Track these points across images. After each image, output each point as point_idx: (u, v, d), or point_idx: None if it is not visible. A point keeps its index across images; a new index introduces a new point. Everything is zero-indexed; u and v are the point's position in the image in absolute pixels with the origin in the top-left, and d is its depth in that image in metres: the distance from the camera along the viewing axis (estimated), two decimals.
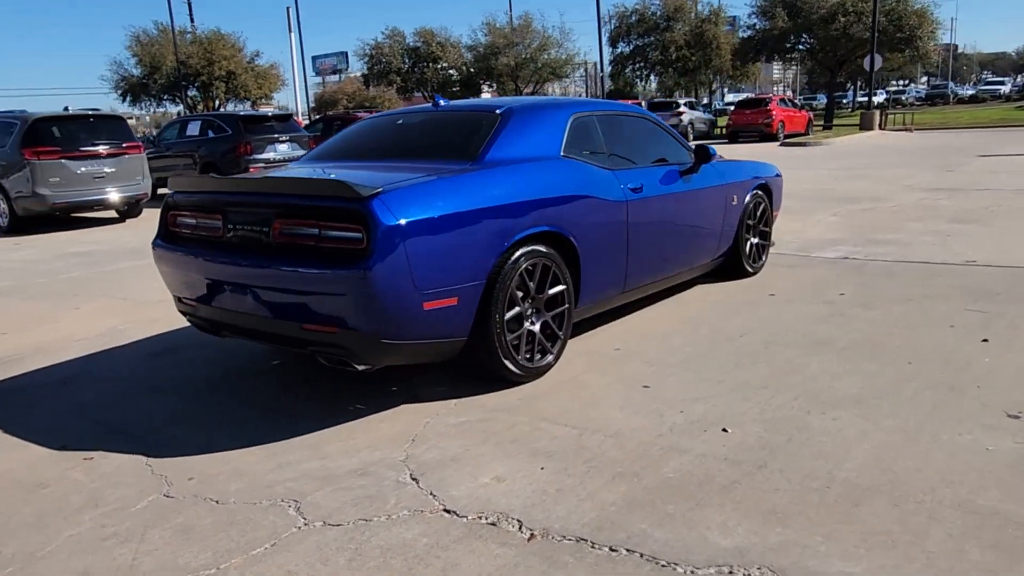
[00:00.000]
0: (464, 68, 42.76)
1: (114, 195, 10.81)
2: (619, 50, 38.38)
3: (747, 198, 5.45)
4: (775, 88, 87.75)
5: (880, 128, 26.15)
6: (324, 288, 2.99)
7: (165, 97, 44.75)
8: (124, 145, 11.02)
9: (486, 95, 43.02)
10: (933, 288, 5.04)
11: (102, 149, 10.72)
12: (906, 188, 10.63)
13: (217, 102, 43.61)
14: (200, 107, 43.65)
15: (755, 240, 5.73)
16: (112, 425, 3.31)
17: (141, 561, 2.23)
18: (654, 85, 41.16)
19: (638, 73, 38.65)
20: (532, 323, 3.61)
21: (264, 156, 13.47)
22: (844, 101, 51.10)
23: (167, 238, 3.77)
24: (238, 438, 3.09)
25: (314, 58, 63.53)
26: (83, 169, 10.48)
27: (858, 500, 2.35)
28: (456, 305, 3.20)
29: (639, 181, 4.29)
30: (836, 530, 2.19)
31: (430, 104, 4.39)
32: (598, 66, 33.96)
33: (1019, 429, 2.80)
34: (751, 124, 25.48)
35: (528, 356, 3.59)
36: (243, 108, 43.68)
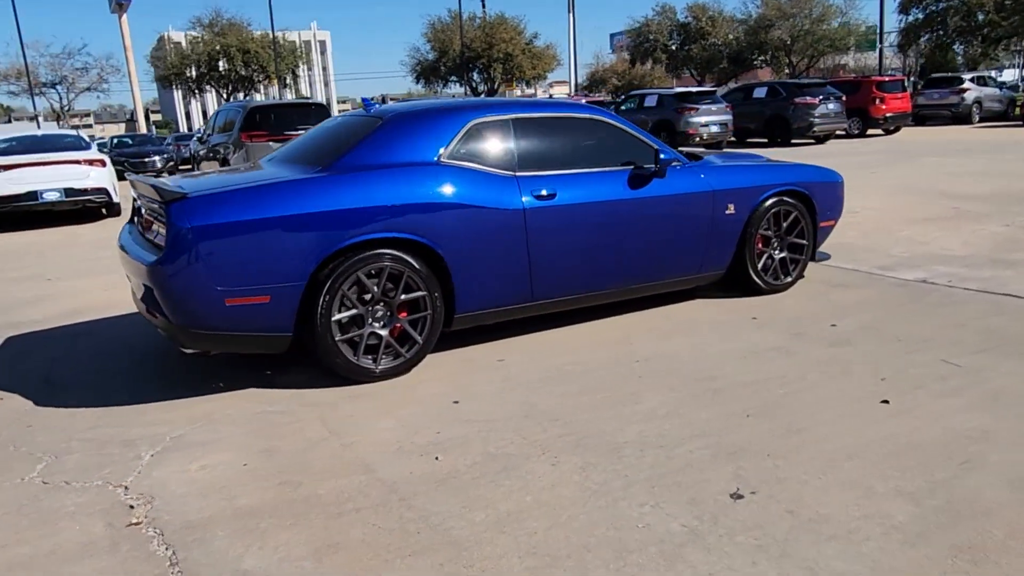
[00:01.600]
0: (734, 43, 40.68)
1: None
2: (911, 17, 33.66)
3: (761, 206, 4.83)
4: None
5: None
6: (145, 279, 3.44)
7: (451, 79, 48.76)
8: None
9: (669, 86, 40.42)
10: (956, 327, 4.08)
11: (301, 132, 12.33)
12: None
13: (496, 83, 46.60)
14: (482, 89, 47.01)
15: (780, 254, 5.05)
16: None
17: None
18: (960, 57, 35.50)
19: (936, 42, 33.60)
20: (378, 326, 3.72)
21: None
22: None
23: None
24: (73, 399, 3.68)
25: (612, 36, 64.60)
26: None
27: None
28: (269, 303, 3.45)
29: (554, 188, 4.10)
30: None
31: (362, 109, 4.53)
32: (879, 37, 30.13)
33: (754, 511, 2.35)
34: None
35: (371, 357, 3.71)
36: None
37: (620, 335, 4.29)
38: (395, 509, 2.47)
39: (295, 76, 46.53)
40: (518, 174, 4.06)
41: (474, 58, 44.79)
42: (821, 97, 18.37)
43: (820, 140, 19.40)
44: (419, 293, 3.77)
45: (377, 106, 4.48)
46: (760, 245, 4.95)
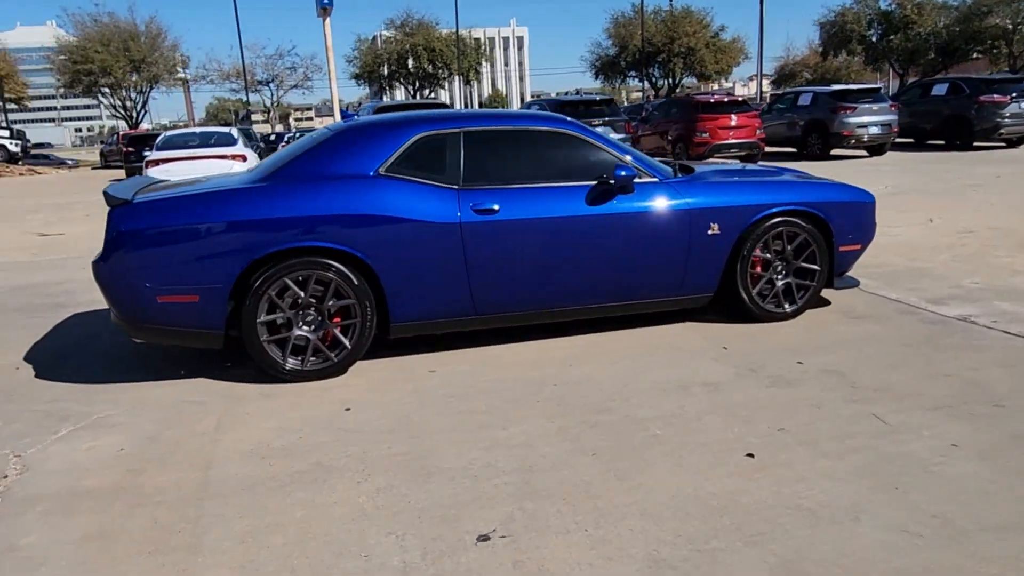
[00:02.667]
0: (943, 32, 36.59)
1: None
2: None
3: (756, 226, 4.46)
4: None
5: None
6: (96, 276, 3.88)
7: (630, 74, 48.20)
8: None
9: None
10: (937, 376, 3.54)
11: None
12: None
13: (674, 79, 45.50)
14: (662, 84, 46.13)
15: (784, 279, 4.63)
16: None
17: None
18: None
19: None
20: (307, 329, 3.91)
21: None
22: None
23: None
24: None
25: (820, 25, 60.77)
26: None
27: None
28: (198, 302, 3.76)
29: (498, 203, 4.06)
30: None
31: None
32: None
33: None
34: None
35: (300, 359, 3.92)
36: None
37: (566, 355, 4.18)
38: (186, 508, 2.65)
39: (477, 73, 48.28)
40: (462, 188, 4.07)
41: (654, 53, 43.94)
42: (1013, 95, 16.14)
43: (1013, 143, 17.08)
44: (348, 301, 3.92)
45: (355, 117, 4.68)
46: (759, 268, 4.58)
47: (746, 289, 4.57)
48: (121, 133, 34.57)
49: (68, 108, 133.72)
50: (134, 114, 41.86)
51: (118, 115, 43.51)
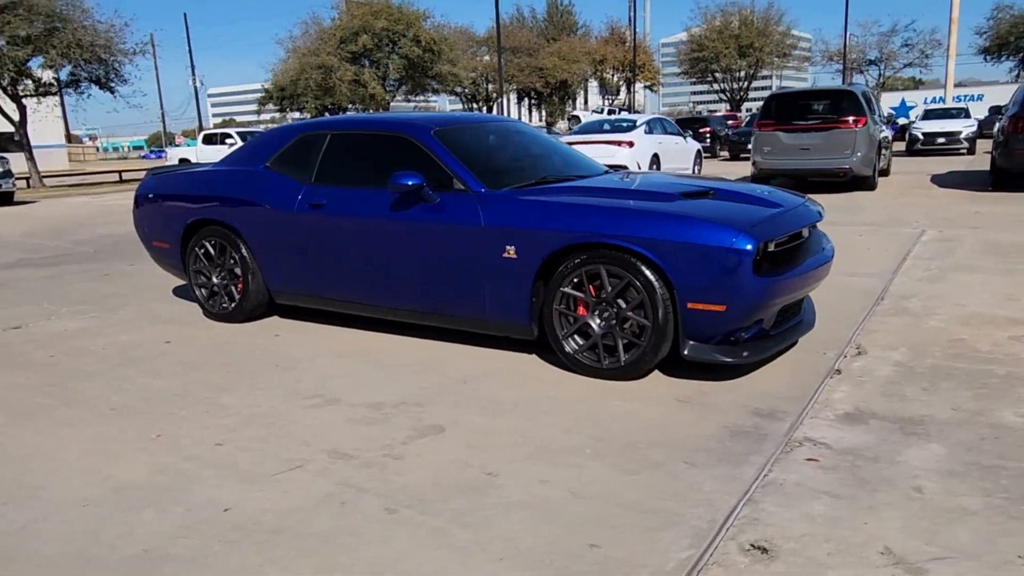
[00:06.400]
0: None
1: (818, 165, 11.52)
2: None
3: (564, 257, 3.73)
4: None
5: None
6: None
7: None
8: (842, 119, 11.36)
9: None
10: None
11: (813, 123, 11.48)
12: None
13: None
14: None
15: (604, 329, 3.71)
16: None
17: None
18: None
19: None
20: (219, 281, 5.10)
21: None
22: None
23: None
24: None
25: None
26: (790, 141, 11.65)
27: None
28: (168, 248, 5.34)
29: (328, 199, 4.47)
30: None
31: None
32: None
33: None
34: None
35: (212, 303, 5.16)
36: None
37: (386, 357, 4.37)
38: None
39: None
40: (312, 184, 4.61)
41: None
42: None
43: None
44: (237, 268, 4.97)
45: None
46: (582, 310, 3.79)
47: (551, 329, 3.85)
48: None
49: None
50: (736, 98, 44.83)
51: (723, 99, 47.11)
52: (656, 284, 3.52)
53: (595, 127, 14.20)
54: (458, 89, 45.93)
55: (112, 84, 22.84)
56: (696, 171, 15.83)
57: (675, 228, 3.49)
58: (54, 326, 5.20)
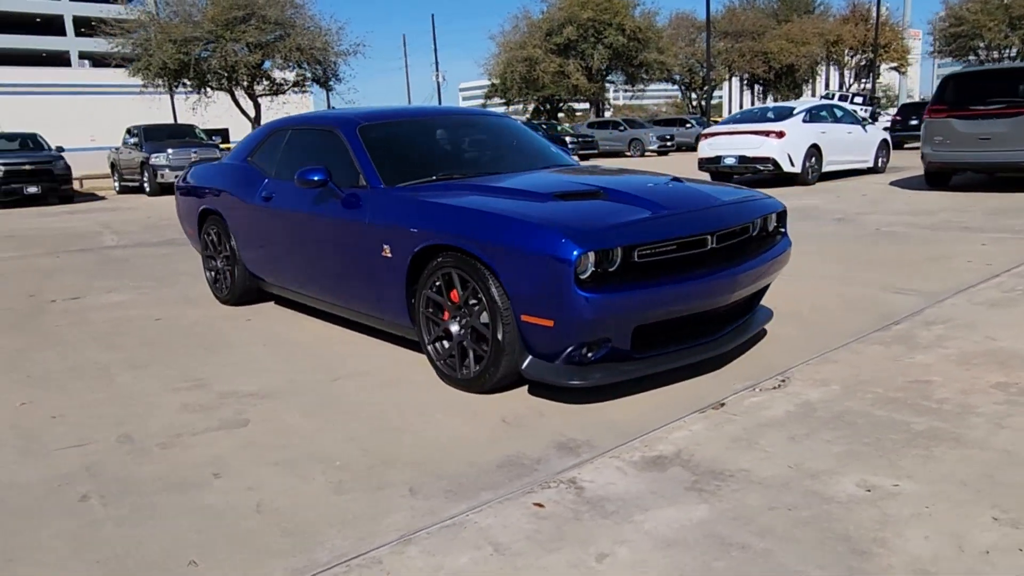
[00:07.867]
0: None
1: (1002, 158, 9.66)
2: None
3: (425, 259, 3.56)
4: None
5: None
6: None
7: None
8: None
9: None
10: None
11: (996, 107, 9.60)
12: None
13: None
14: None
15: (460, 337, 3.47)
16: None
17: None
18: None
19: None
20: (222, 264, 5.50)
21: None
22: None
23: None
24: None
25: None
26: (967, 129, 9.85)
27: None
28: (193, 234, 5.85)
29: (275, 192, 4.64)
30: None
31: None
32: None
33: None
34: None
35: (217, 287, 5.58)
36: None
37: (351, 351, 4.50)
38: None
39: None
40: (273, 177, 4.80)
41: None
42: None
43: None
44: (225, 252, 5.33)
45: None
46: (446, 314, 3.58)
47: (419, 332, 3.68)
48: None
49: None
50: None
51: None
52: (495, 292, 3.22)
53: (753, 115, 13.07)
54: (676, 77, 44.69)
55: (330, 83, 25.27)
56: (879, 164, 13.97)
57: (505, 232, 3.16)
58: (103, 299, 5.96)
